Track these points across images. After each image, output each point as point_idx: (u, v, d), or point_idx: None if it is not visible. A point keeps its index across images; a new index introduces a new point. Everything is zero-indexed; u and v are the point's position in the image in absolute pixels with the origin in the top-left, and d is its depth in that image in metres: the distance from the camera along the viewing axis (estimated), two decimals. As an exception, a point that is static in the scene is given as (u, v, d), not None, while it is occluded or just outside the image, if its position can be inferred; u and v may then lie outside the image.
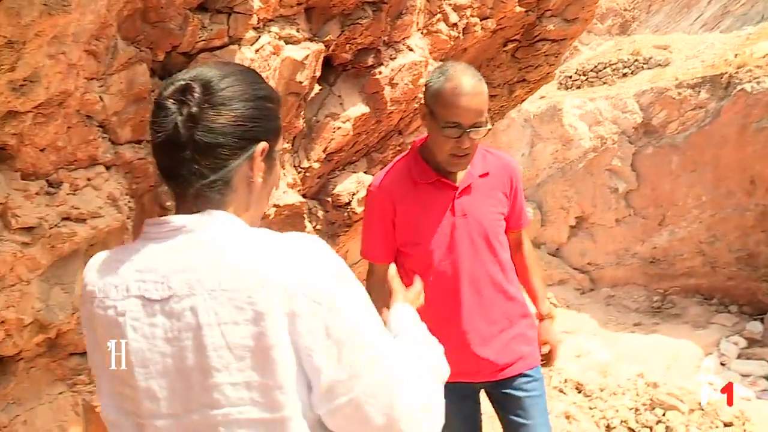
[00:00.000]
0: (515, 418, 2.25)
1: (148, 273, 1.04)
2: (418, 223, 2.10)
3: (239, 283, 0.98)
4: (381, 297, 2.00)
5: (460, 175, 2.13)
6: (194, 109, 1.04)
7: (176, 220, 1.06)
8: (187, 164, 1.05)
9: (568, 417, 5.39)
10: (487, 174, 2.16)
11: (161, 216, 1.12)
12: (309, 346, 0.99)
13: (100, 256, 1.14)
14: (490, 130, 2.06)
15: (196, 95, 1.04)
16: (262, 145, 1.10)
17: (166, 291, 1.02)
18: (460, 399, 2.17)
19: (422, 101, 2.12)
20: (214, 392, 1.00)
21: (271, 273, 0.99)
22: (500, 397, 2.28)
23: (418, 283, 1.55)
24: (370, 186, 2.20)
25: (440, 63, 2.20)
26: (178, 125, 1.03)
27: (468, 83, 1.96)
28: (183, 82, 1.06)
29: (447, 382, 1.25)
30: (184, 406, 1.02)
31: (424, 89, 2.12)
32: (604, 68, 15.14)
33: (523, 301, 2.28)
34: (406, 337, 1.27)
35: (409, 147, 2.25)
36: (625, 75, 14.80)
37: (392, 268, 1.57)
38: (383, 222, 2.13)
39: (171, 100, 1.05)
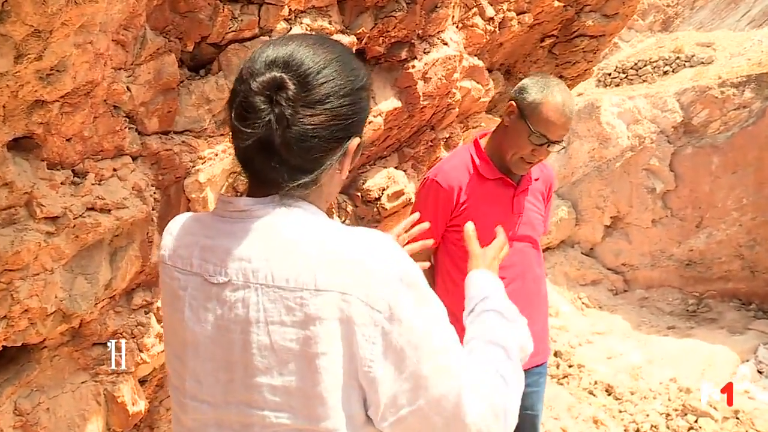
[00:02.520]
0: (527, 412, 2.34)
1: (210, 253, 0.99)
2: (483, 216, 2.16)
3: (293, 281, 0.92)
4: None
5: (516, 176, 2.26)
6: (288, 111, 0.93)
7: (245, 202, 1.00)
8: (276, 168, 0.96)
9: (596, 422, 5.29)
10: (537, 179, 2.32)
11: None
12: (366, 356, 0.92)
13: (179, 220, 1.10)
14: (564, 148, 2.18)
15: (290, 93, 0.94)
16: (356, 141, 1.02)
17: (224, 276, 0.97)
18: None
19: (511, 100, 2.17)
20: (254, 392, 0.95)
21: (327, 275, 0.92)
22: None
23: (501, 235, 1.45)
24: (432, 176, 2.26)
25: (539, 74, 2.30)
26: (270, 128, 0.93)
27: (568, 104, 2.09)
28: (275, 75, 0.95)
29: None
30: (224, 397, 0.98)
31: (517, 90, 2.18)
32: (645, 66, 14.83)
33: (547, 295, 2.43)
34: (480, 325, 1.16)
35: (471, 141, 2.35)
36: (665, 73, 14.47)
37: (470, 227, 1.45)
38: (444, 213, 2.21)
39: (261, 98, 0.94)
